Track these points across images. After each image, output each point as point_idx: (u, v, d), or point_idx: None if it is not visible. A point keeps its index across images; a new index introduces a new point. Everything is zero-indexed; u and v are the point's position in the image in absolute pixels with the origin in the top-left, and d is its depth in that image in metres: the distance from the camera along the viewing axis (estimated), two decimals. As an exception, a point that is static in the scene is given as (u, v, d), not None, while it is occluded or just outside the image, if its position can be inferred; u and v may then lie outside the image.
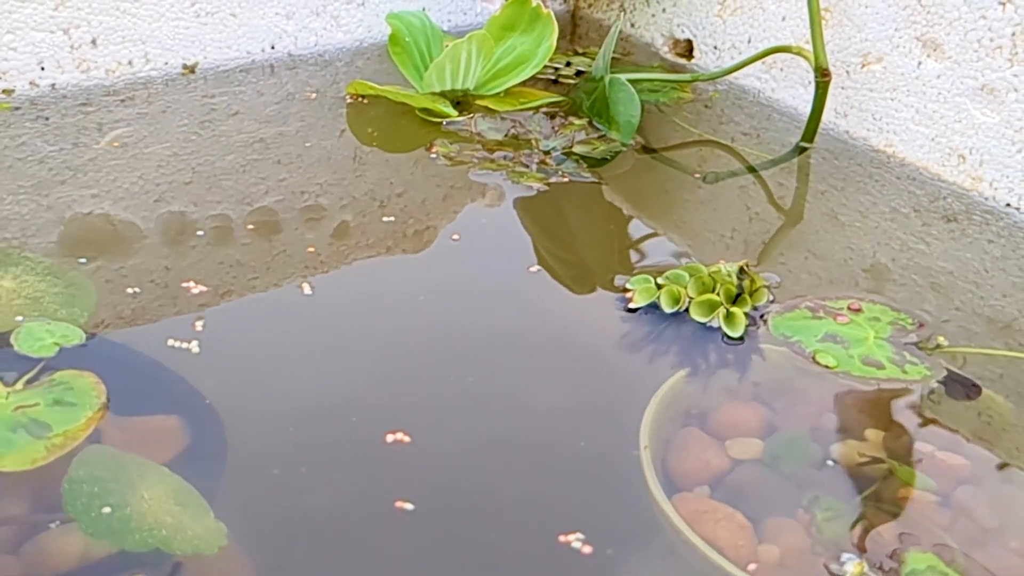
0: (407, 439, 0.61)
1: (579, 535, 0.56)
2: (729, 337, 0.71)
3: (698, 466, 0.62)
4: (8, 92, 0.95)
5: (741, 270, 0.74)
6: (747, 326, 0.72)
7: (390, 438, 0.61)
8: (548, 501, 0.59)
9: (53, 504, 0.55)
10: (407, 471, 0.60)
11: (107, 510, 0.55)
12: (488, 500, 0.59)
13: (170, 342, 0.67)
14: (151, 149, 0.89)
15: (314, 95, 1.00)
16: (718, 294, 0.72)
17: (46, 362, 0.64)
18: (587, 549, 0.55)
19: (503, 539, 0.57)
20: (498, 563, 0.56)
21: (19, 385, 0.62)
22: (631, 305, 0.73)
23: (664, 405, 0.65)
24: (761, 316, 0.73)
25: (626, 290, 0.74)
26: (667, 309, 0.73)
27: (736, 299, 0.73)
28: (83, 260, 0.74)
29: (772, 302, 0.75)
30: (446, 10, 1.16)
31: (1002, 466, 0.64)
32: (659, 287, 0.74)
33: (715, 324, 0.72)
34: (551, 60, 1.03)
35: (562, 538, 0.56)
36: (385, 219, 0.83)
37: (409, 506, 0.57)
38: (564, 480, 0.61)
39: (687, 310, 0.73)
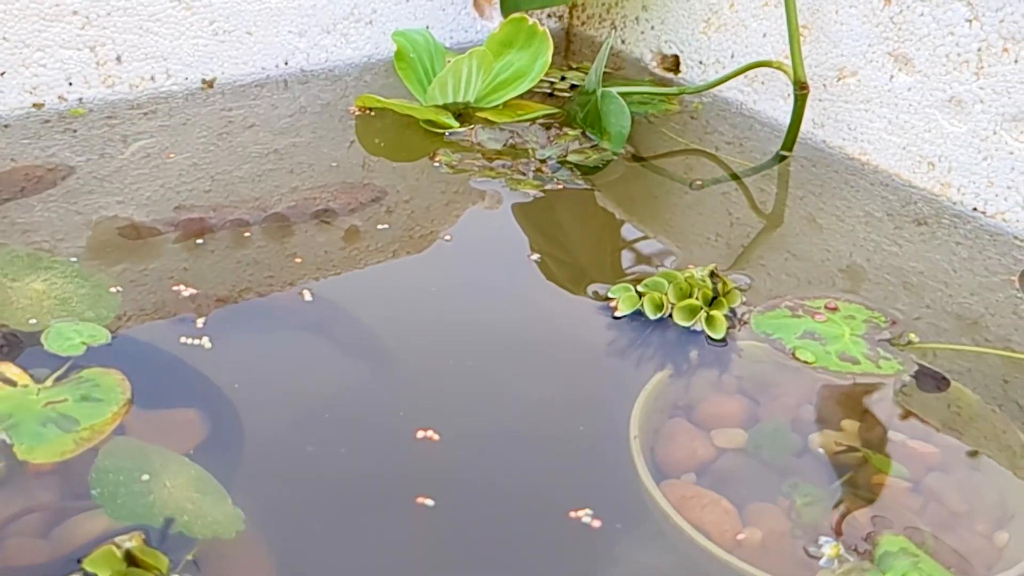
0: (420, 428, 0.61)
1: (588, 511, 0.57)
2: (711, 339, 0.71)
3: (685, 454, 0.62)
4: (38, 106, 0.95)
5: (712, 274, 0.74)
6: (728, 328, 0.72)
7: (402, 427, 0.61)
8: (557, 482, 0.60)
9: (81, 492, 0.55)
10: (418, 456, 0.60)
11: (146, 477, 0.56)
12: (499, 480, 0.60)
13: (189, 340, 0.67)
14: (172, 159, 0.89)
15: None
16: (697, 299, 0.72)
17: (74, 360, 0.64)
18: (596, 523, 0.56)
19: (519, 516, 0.58)
20: (516, 537, 0.56)
21: (49, 382, 0.62)
22: (616, 313, 0.73)
23: (653, 398, 0.65)
24: (740, 318, 0.73)
25: (608, 299, 0.74)
26: (651, 316, 0.72)
27: (712, 302, 0.73)
28: (74, 259, 0.74)
29: (744, 303, 0.75)
30: (448, 28, 1.16)
31: (970, 454, 0.64)
32: (640, 295, 0.73)
33: (698, 328, 0.72)
34: (547, 75, 1.03)
35: (572, 514, 0.57)
36: (393, 224, 0.83)
37: (430, 502, 0.57)
38: (569, 464, 0.61)
39: (670, 315, 0.72)
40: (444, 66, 0.98)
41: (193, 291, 0.72)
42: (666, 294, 0.72)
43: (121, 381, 0.62)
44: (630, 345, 0.70)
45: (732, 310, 0.73)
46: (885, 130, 0.94)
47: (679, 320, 0.72)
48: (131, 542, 0.52)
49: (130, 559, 0.51)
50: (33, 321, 0.67)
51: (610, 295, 0.74)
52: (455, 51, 1.07)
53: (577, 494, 0.58)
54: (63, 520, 0.54)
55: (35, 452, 0.57)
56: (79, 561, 0.51)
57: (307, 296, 0.73)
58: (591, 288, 0.76)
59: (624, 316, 0.73)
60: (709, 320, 0.71)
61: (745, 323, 0.72)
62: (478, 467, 0.60)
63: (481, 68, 0.97)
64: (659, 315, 0.72)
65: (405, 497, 0.57)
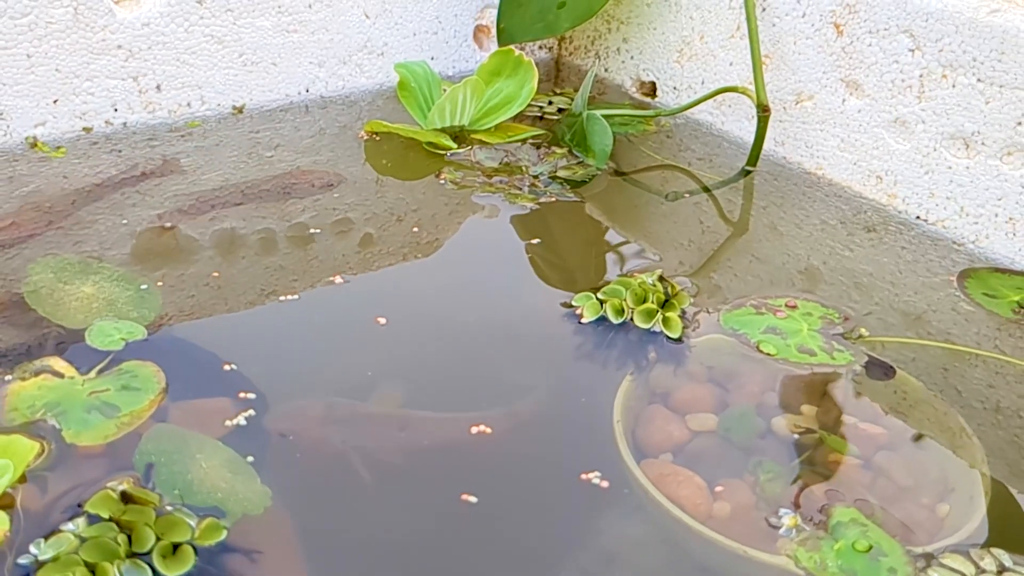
0: (425, 414, 0.61)
1: (597, 473, 0.57)
2: (669, 338, 0.70)
3: (662, 437, 0.62)
4: (87, 130, 0.94)
5: (660, 278, 0.73)
6: (683, 327, 0.71)
7: (412, 415, 0.61)
8: (566, 453, 0.60)
9: (125, 471, 0.55)
10: (432, 442, 0.60)
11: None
12: (516, 452, 0.60)
13: (222, 337, 0.67)
14: (206, 176, 0.89)
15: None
16: (652, 303, 0.72)
17: (114, 354, 0.64)
18: (605, 484, 0.57)
19: (538, 479, 0.59)
20: (538, 495, 0.57)
21: (92, 374, 0.62)
22: (583, 320, 0.72)
23: (632, 388, 0.65)
24: (693, 318, 0.72)
25: (572, 306, 0.73)
26: (614, 320, 0.71)
27: (664, 304, 0.72)
28: (119, 266, 0.73)
29: (693, 304, 0.74)
30: (451, 59, 1.15)
31: (914, 435, 0.64)
32: (601, 302, 0.72)
33: (657, 329, 0.71)
34: (537, 99, 1.02)
35: (584, 476, 0.57)
36: (402, 231, 0.82)
37: (470, 497, 0.56)
38: (565, 445, 0.62)
39: (632, 319, 0.71)
40: (440, 93, 0.98)
41: (226, 293, 0.72)
42: (625, 300, 0.72)
43: (156, 372, 0.62)
44: (601, 346, 0.69)
45: (683, 311, 0.73)
46: (838, 147, 0.94)
47: (639, 323, 0.71)
48: (123, 485, 0.53)
49: (125, 498, 0.52)
50: (82, 320, 0.67)
51: (573, 303, 0.73)
52: (456, 79, 1.07)
53: (581, 465, 0.59)
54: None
55: (81, 436, 0.57)
56: (80, 505, 0.51)
57: (337, 287, 0.73)
58: (589, 279, 0.75)
59: (590, 322, 0.71)
60: (666, 321, 0.71)
61: (698, 323, 0.72)
62: (487, 444, 0.60)
63: (474, 95, 0.96)
64: (621, 319, 0.71)
65: (435, 480, 0.57)
